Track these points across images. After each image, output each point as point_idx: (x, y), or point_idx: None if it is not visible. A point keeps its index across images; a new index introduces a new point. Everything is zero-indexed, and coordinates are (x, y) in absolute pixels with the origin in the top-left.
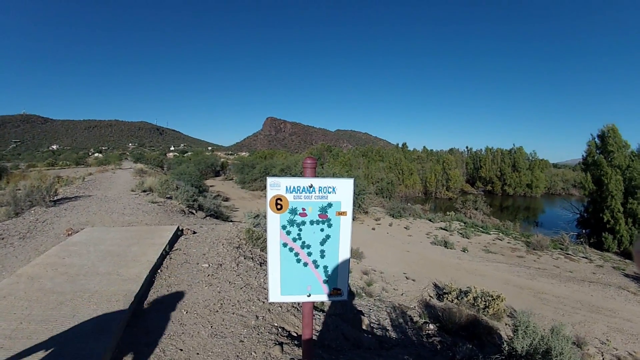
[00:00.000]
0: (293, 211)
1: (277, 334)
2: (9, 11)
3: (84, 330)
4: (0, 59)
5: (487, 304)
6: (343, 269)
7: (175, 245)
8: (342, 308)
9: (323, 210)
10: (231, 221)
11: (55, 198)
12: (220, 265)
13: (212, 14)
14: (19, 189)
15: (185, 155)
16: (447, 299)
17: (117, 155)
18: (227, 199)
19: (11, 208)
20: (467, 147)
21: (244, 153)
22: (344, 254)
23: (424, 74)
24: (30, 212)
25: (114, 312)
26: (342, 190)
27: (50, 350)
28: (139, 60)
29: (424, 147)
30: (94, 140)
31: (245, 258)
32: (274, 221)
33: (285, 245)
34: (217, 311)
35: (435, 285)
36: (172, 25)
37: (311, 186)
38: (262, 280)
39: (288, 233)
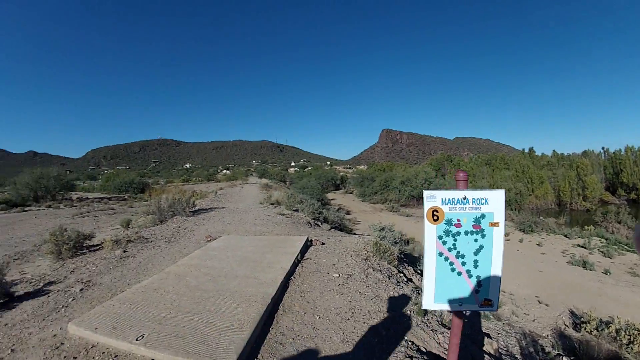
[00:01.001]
0: (449, 222)
1: (407, 347)
2: (141, 52)
3: (225, 324)
4: (140, 93)
5: (632, 338)
6: (495, 279)
7: (305, 254)
8: (470, 329)
9: (477, 221)
10: (354, 234)
11: (193, 209)
12: (350, 275)
13: (323, 31)
14: (163, 201)
15: (305, 170)
16: (584, 329)
17: (243, 172)
18: (348, 212)
19: (157, 217)
20: (603, 148)
21: (362, 166)
22: (496, 264)
23: (548, 69)
24: (172, 221)
25: (253, 311)
26: (495, 201)
27: (195, 338)
28: (258, 84)
29: (554, 150)
30: (222, 159)
31: (373, 270)
32: (430, 232)
33: (441, 254)
34: (349, 319)
35: (572, 313)
36: (285, 50)
37: (465, 198)
38: (391, 292)
39: (444, 243)
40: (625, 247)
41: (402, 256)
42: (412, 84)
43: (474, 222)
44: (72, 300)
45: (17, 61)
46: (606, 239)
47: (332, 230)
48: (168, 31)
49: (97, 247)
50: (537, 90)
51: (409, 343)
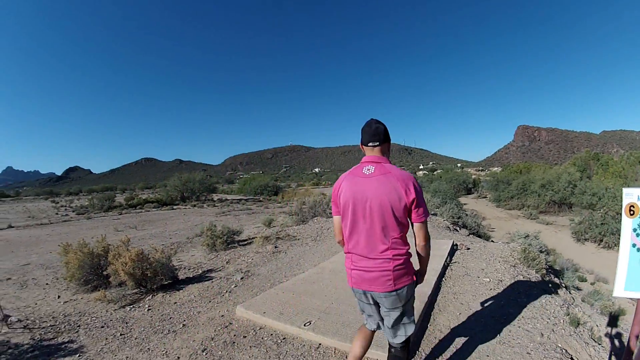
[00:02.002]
0: None
1: (562, 354)
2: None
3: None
4: (272, 104)
5: None
6: None
7: (453, 258)
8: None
9: None
10: (492, 241)
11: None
12: (500, 281)
13: (447, 29)
14: (304, 204)
15: (434, 173)
16: None
17: None
18: (483, 218)
19: (299, 217)
20: None
21: (496, 168)
22: None
23: None
24: (313, 221)
25: None
26: None
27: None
28: (386, 86)
29: None
30: (349, 163)
31: (523, 277)
32: (626, 225)
33: (634, 245)
34: (502, 323)
35: None
36: (409, 49)
37: None
38: (542, 301)
39: (637, 235)
40: None
41: (548, 267)
42: (551, 72)
43: None
44: (235, 286)
45: (166, 84)
46: None
47: (471, 236)
48: (296, 48)
49: (246, 242)
50: None
51: (563, 351)
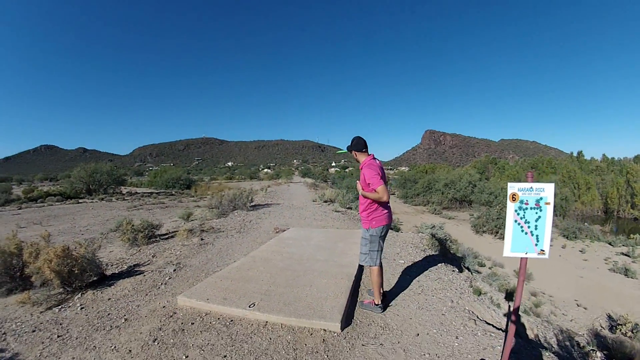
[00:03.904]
0: (521, 202)
1: (470, 314)
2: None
3: (322, 294)
4: (186, 93)
5: None
6: (547, 237)
7: None
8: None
9: (537, 201)
10: (402, 232)
11: (251, 204)
12: (414, 262)
13: (363, 31)
14: (225, 196)
15: (346, 170)
16: (619, 330)
17: (287, 171)
18: None
19: (219, 210)
20: None
21: (404, 168)
22: (548, 228)
23: (602, 68)
24: (234, 214)
25: (342, 285)
26: (548, 189)
27: (301, 304)
28: (303, 85)
29: (604, 155)
30: (263, 158)
31: (432, 259)
32: (510, 207)
33: (515, 221)
34: (419, 294)
35: (609, 316)
36: (328, 50)
37: (531, 187)
38: (450, 276)
39: (517, 214)
40: None
41: (452, 253)
42: (457, 84)
43: (535, 202)
44: (169, 278)
45: (70, 61)
46: None
47: None
48: (210, 36)
49: (167, 236)
50: (589, 89)
51: (471, 312)
